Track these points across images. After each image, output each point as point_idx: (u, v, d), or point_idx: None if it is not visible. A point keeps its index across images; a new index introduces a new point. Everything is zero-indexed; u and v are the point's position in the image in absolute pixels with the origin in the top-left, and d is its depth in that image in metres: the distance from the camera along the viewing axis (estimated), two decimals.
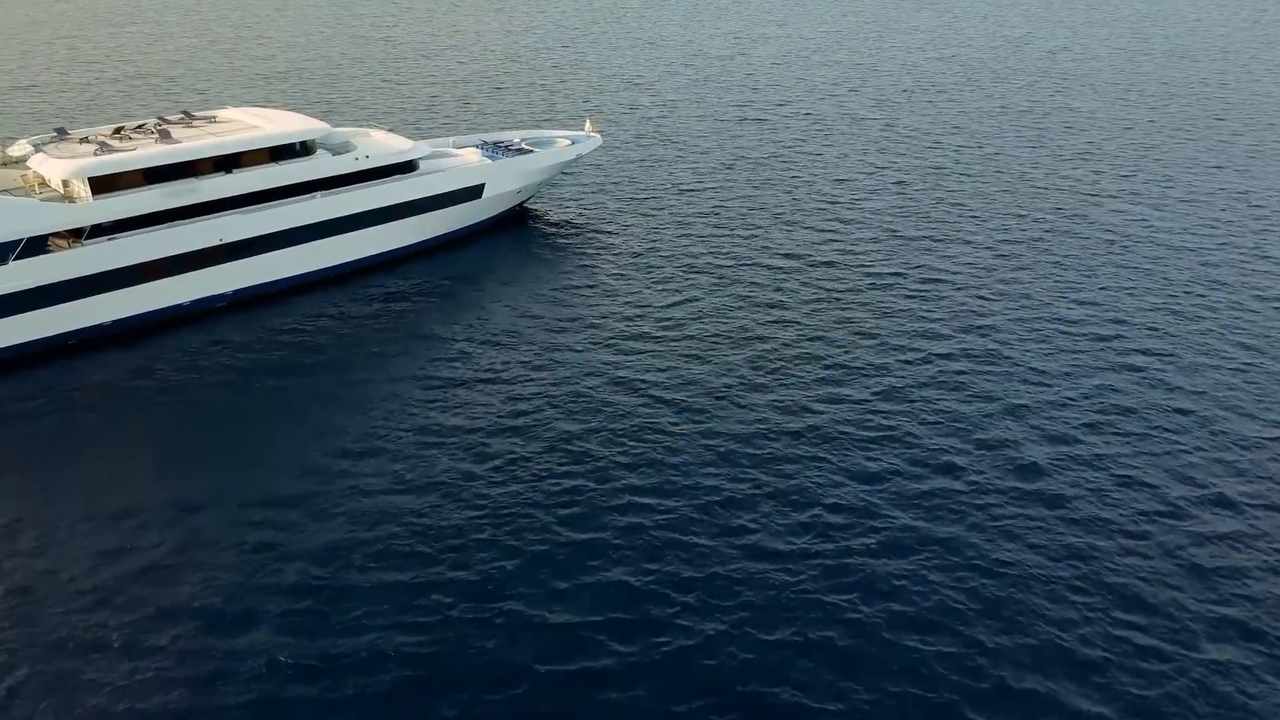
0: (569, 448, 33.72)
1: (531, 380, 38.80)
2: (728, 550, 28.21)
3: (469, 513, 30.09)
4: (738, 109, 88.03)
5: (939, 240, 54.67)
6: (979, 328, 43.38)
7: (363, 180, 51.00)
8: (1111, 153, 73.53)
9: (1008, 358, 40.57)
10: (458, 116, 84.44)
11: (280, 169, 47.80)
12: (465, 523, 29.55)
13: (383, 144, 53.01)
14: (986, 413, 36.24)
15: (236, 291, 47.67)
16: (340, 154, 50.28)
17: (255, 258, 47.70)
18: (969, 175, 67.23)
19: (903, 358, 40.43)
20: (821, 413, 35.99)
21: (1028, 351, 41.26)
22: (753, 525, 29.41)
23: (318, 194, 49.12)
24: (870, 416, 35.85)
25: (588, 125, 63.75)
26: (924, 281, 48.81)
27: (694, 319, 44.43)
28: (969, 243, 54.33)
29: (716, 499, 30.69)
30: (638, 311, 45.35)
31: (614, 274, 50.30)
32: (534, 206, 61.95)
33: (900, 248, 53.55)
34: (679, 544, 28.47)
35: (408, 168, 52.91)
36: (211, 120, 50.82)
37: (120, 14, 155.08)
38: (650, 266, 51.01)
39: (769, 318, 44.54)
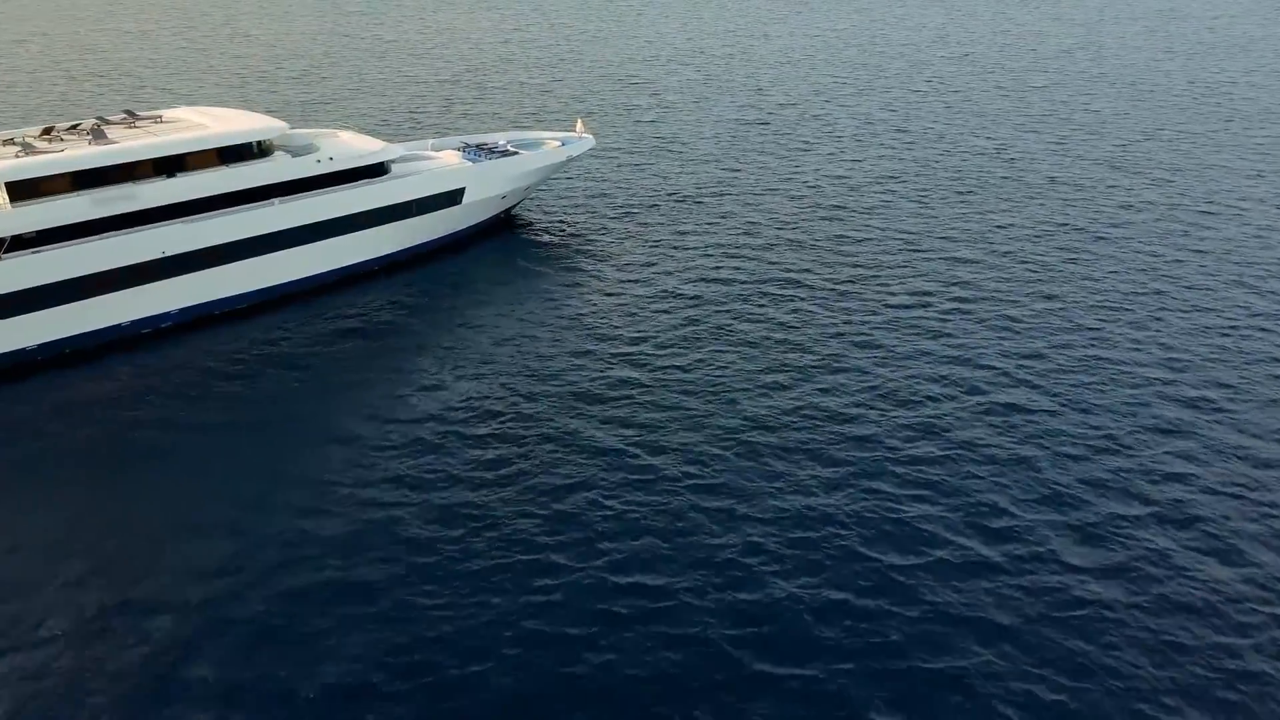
0: (542, 528, 28.46)
1: (502, 433, 33.47)
2: (744, 656, 22.96)
3: (410, 624, 24.63)
4: (740, 111, 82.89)
5: (964, 260, 49.35)
6: (1016, 374, 37.91)
7: (326, 185, 45.76)
8: (1143, 158, 68.39)
9: (1052, 413, 35.13)
10: (441, 118, 79.20)
11: (230, 172, 42.56)
12: (407, 639, 24.03)
13: (350, 145, 47.76)
14: (1035, 486, 30.97)
15: (182, 311, 42.44)
16: (300, 156, 45.06)
17: (202, 273, 42.45)
18: (992, 184, 62.07)
19: (932, 410, 34.92)
20: (843, 489, 30.65)
21: (1077, 404, 35.88)
22: (773, 642, 24.19)
23: (274, 200, 43.89)
24: (901, 491, 30.56)
25: (579, 125, 58.63)
26: (949, 311, 43.42)
27: (694, 363, 38.82)
28: (997, 262, 49.07)
29: (725, 601, 25.44)
30: (628, 349, 39.68)
31: (603, 299, 45.01)
32: (520, 214, 56.77)
33: (922, 268, 48.28)
34: (686, 643, 23.19)
35: (377, 171, 47.69)
36: (157, 120, 45.53)
37: (101, 10, 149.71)
38: (643, 293, 45.58)
39: (778, 360, 38.82)
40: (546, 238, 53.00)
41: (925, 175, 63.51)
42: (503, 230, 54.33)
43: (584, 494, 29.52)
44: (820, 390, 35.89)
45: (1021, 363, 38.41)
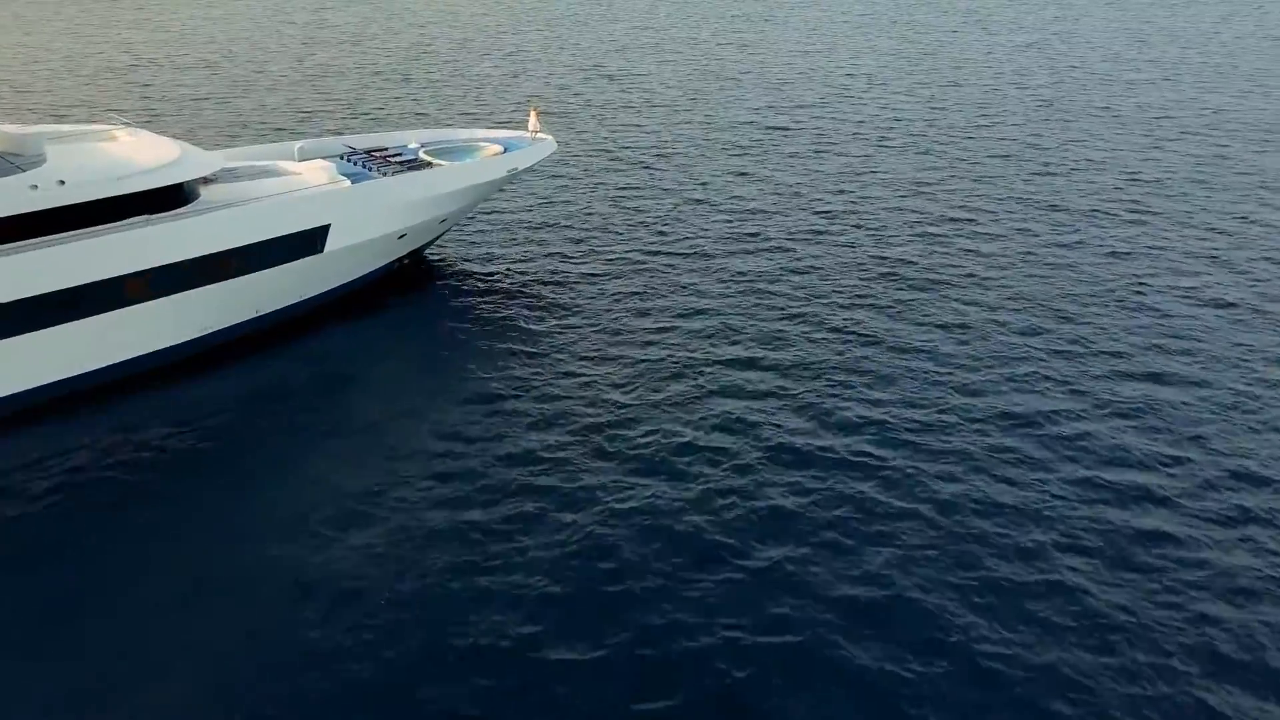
0: None
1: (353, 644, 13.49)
2: None
3: None
4: (755, 113, 62.50)
5: (1089, 354, 28.92)
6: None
7: (59, 226, 25.38)
8: None
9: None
10: (352, 117, 58.75)
11: None
12: None
13: (113, 157, 27.33)
14: None
15: None
16: (9, 175, 24.73)
17: None
18: (1131, 223, 41.57)
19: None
20: None
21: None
22: None
23: None
24: None
25: (533, 120, 38.25)
26: (1061, 430, 23.49)
27: (680, 524, 18.94)
28: (1133, 353, 28.85)
29: None
30: (581, 545, 19.59)
31: (550, 413, 24.67)
32: (443, 254, 36.35)
33: (1055, 364, 28.14)
34: None
35: (168, 199, 27.24)
36: None
37: None
38: (613, 412, 25.27)
39: (800, 514, 19.20)
40: (465, 299, 32.53)
41: (1031, 211, 43.14)
42: (408, 286, 33.94)
43: None
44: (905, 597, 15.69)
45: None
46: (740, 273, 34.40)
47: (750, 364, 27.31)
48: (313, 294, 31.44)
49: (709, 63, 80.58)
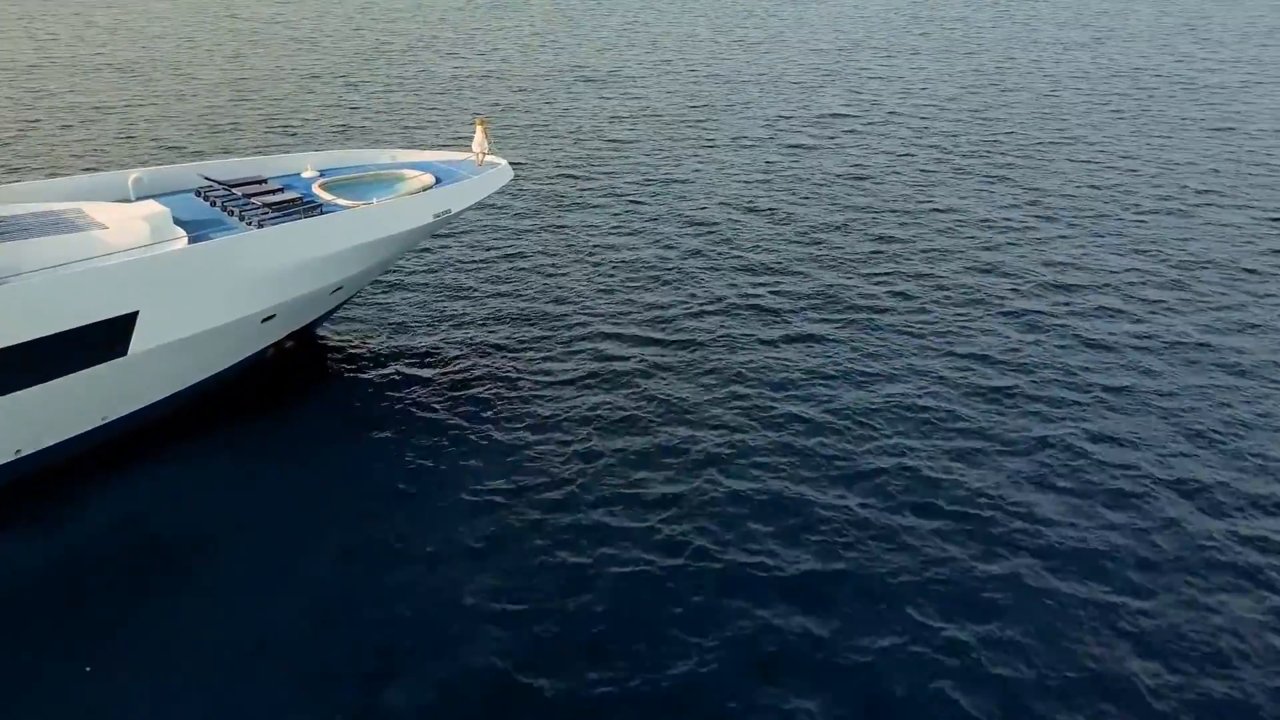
0: None
1: None
2: None
3: None
4: (768, 130, 51.56)
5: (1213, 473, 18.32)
6: None
7: None
8: None
9: None
10: (272, 129, 47.69)
11: None
12: None
13: None
14: None
15: None
16: None
17: None
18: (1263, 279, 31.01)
19: None
20: None
21: None
22: None
23: None
24: None
25: (479, 138, 27.40)
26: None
27: None
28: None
29: None
30: None
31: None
32: (337, 330, 25.34)
33: (1209, 543, 17.43)
34: None
35: None
36: None
37: None
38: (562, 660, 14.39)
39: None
40: (368, 404, 21.50)
41: (1161, 284, 32.43)
42: (265, 377, 22.91)
43: None
44: None
45: None
46: (765, 385, 23.38)
47: (779, 566, 16.32)
48: (116, 416, 20.44)
49: (712, 64, 69.62)
